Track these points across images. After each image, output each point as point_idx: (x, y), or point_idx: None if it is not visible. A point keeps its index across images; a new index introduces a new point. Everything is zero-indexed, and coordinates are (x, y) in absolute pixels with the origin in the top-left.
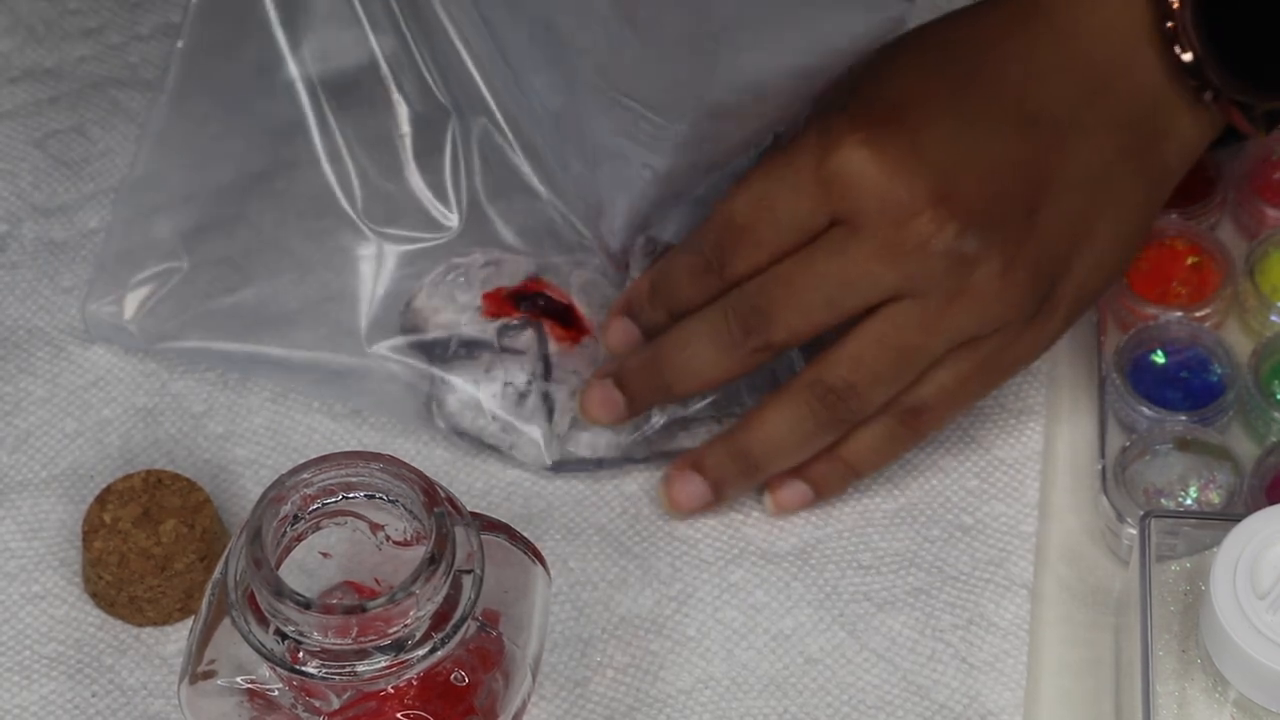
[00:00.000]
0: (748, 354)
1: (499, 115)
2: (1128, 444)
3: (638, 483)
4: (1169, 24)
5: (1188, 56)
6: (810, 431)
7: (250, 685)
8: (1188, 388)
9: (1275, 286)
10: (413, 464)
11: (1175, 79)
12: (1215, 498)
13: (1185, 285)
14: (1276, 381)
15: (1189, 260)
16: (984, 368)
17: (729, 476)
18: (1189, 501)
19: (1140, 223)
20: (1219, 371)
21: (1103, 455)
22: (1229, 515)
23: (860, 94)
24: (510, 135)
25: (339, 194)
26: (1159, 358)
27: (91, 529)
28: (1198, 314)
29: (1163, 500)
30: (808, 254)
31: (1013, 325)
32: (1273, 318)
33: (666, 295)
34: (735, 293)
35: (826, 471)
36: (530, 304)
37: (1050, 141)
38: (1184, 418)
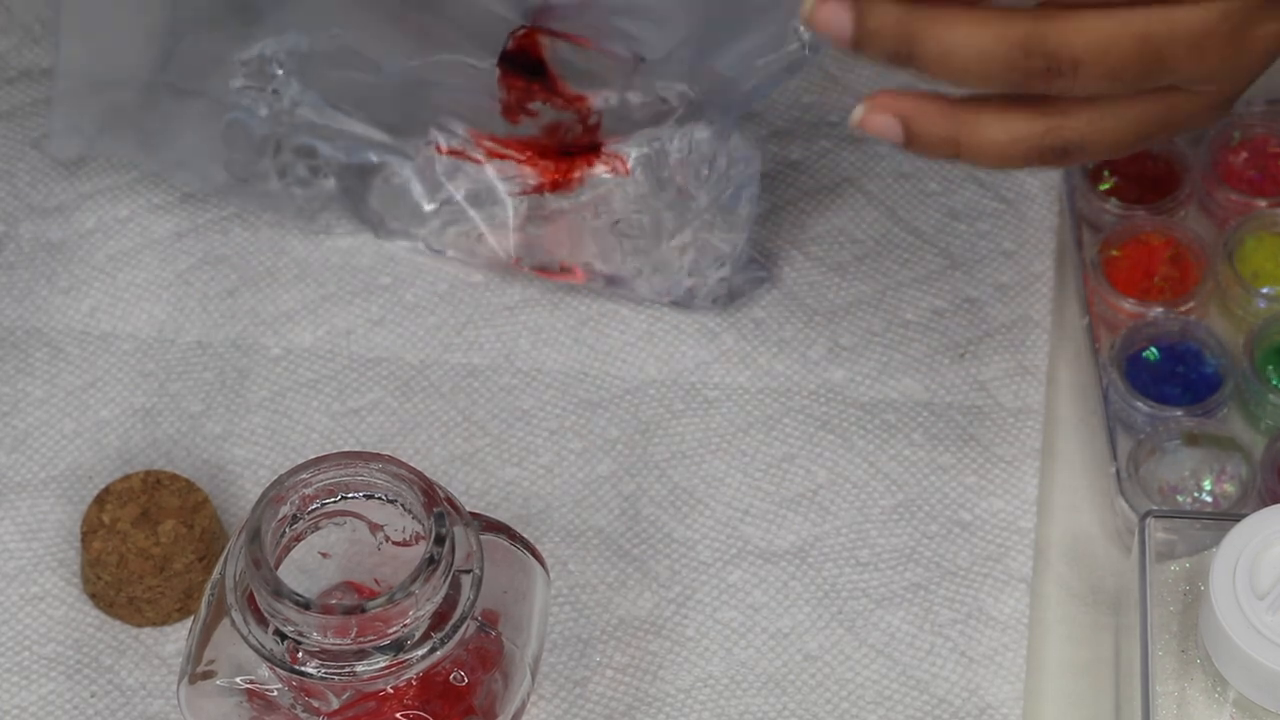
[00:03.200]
0: None
1: None
2: (1135, 445)
3: (637, 483)
4: None
5: None
6: (993, 72)
7: (249, 685)
8: (1185, 381)
9: (1256, 272)
10: (412, 464)
11: None
12: (1230, 488)
13: (1166, 280)
14: (1270, 367)
15: (1167, 254)
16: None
17: (884, 40)
18: (1205, 496)
19: None
20: (1213, 363)
21: (1115, 458)
22: (1229, 515)
23: None
24: None
25: None
26: (1152, 355)
27: (90, 529)
28: (1182, 307)
29: (1179, 497)
30: None
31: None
32: (1258, 303)
33: None
34: None
35: (933, 116)
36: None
37: None
38: (1180, 412)
